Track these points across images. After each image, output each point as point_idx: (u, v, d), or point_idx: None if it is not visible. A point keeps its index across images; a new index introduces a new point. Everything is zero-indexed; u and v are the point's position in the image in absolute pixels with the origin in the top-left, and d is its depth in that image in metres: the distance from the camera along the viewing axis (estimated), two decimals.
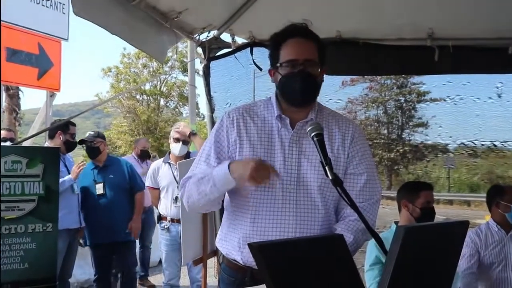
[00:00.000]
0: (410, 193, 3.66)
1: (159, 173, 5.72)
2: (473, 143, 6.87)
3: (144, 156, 7.97)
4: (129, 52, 37.42)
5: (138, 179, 6.06)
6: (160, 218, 5.68)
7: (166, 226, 5.58)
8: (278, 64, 2.28)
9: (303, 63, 2.24)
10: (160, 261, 8.58)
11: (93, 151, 5.76)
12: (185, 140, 5.53)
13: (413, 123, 32.04)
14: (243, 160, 2.21)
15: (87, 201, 5.62)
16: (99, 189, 5.64)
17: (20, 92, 15.72)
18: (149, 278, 8.04)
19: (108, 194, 5.65)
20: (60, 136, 5.38)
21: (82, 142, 5.77)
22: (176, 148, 5.57)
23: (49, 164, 4.06)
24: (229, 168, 2.16)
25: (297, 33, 2.29)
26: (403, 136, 32.63)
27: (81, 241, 5.75)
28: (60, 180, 4.96)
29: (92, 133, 5.92)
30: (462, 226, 1.87)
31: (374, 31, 4.64)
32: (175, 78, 38.03)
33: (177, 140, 5.55)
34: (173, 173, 5.51)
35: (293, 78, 2.25)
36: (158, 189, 5.72)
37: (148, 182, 5.83)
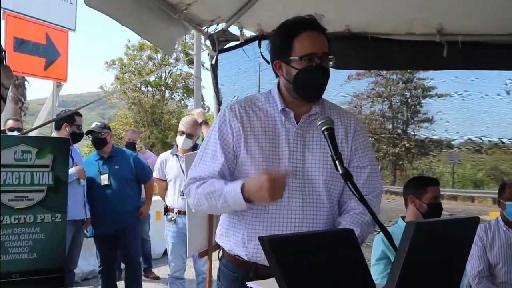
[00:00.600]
0: (417, 189, 3.63)
1: (166, 165, 5.72)
2: (480, 139, 6.84)
3: (129, 148, 7.90)
4: (133, 44, 37.47)
5: (145, 168, 6.09)
6: (167, 210, 5.68)
7: (172, 218, 5.58)
8: (295, 58, 2.22)
9: (320, 56, 2.22)
10: (164, 254, 8.65)
11: (99, 142, 5.79)
12: (189, 134, 5.52)
13: (418, 118, 31.92)
14: (255, 181, 2.11)
15: (92, 191, 5.64)
16: (104, 179, 5.66)
17: (26, 82, 15.75)
18: (153, 270, 8.07)
19: (113, 185, 5.67)
20: (66, 128, 5.39)
21: (89, 132, 5.80)
22: (179, 140, 5.57)
23: (59, 154, 4.06)
24: (242, 191, 2.11)
25: (310, 25, 2.25)
26: (408, 131, 32.55)
27: (85, 231, 5.77)
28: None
29: (99, 123, 5.94)
30: (472, 223, 1.86)
31: (383, 25, 4.64)
32: (180, 70, 38.06)
33: (182, 133, 5.55)
34: (180, 165, 5.51)
35: (313, 73, 2.22)
36: (165, 180, 5.73)
37: (155, 174, 5.84)
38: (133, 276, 5.94)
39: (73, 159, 5.41)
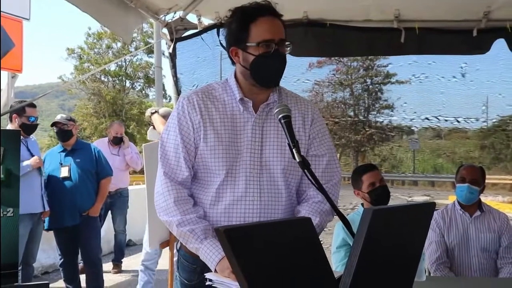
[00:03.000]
0: (355, 181, 3.70)
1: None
2: (437, 118, 7.06)
3: (116, 141, 7.71)
4: (94, 32, 36.94)
5: (105, 164, 5.98)
6: None
7: None
8: (252, 44, 2.18)
9: (277, 43, 2.18)
10: (126, 244, 8.61)
11: (65, 134, 5.71)
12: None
13: (380, 105, 32.34)
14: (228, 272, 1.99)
15: (51, 183, 5.56)
16: (64, 171, 5.58)
17: None
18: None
19: (73, 177, 5.59)
20: (16, 119, 5.25)
21: (54, 124, 5.72)
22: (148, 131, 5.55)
23: (9, 147, 3.94)
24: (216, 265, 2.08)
25: (267, 11, 2.21)
26: (369, 118, 32.91)
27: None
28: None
29: (64, 116, 5.87)
30: (428, 208, 1.88)
31: (341, 12, 4.65)
32: (140, 59, 37.70)
33: (149, 124, 5.54)
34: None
35: (270, 59, 2.18)
36: None
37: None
38: (93, 272, 5.86)
39: (30, 152, 5.29)
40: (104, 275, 6.79)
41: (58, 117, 5.82)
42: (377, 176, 3.64)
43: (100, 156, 5.94)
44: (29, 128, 5.39)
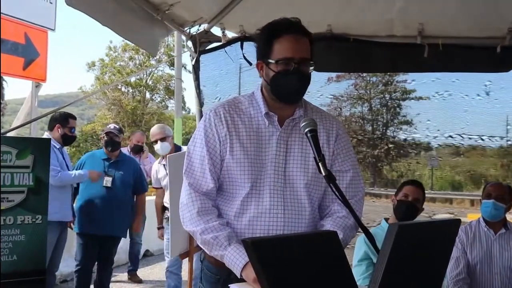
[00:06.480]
0: (398, 188, 3.82)
1: (158, 174, 5.92)
2: (460, 136, 7.08)
3: (136, 150, 7.71)
4: (115, 45, 37.25)
5: (144, 181, 6.22)
6: (165, 208, 5.81)
7: (165, 216, 5.78)
8: (272, 61, 2.21)
9: (298, 61, 2.19)
10: (143, 255, 8.66)
11: (115, 144, 5.88)
12: (162, 138, 5.70)
13: (398, 121, 32.20)
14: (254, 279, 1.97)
15: (92, 189, 5.66)
16: (108, 181, 5.69)
17: (4, 82, 15.55)
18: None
19: (115, 189, 5.72)
20: (59, 129, 5.38)
21: (107, 133, 5.86)
22: (158, 148, 5.71)
23: (39, 155, 4.02)
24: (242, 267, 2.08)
25: (292, 29, 2.22)
26: (387, 133, 32.80)
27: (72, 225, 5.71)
28: (77, 172, 5.39)
29: (117, 127, 6.05)
30: (453, 224, 1.88)
31: (365, 27, 4.65)
32: (162, 71, 37.98)
33: (155, 142, 5.75)
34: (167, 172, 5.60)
35: (288, 77, 2.20)
36: (161, 187, 5.94)
37: (153, 183, 6.06)
38: (105, 279, 5.94)
39: (65, 161, 5.41)
40: (123, 285, 6.83)
41: (111, 126, 5.99)
42: (414, 192, 3.71)
43: (139, 171, 6.14)
44: (70, 139, 5.56)
